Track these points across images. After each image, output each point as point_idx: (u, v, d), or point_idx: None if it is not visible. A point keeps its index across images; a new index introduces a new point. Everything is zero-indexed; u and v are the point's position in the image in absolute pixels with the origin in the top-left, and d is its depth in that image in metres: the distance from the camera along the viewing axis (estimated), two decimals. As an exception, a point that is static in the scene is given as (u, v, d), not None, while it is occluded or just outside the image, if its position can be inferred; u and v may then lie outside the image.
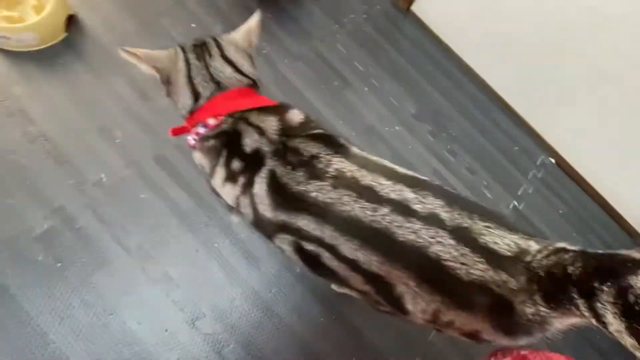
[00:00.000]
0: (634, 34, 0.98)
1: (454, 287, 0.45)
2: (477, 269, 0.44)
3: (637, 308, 0.33)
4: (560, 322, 0.44)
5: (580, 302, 0.38)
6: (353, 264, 0.49)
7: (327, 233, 0.49)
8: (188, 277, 0.87)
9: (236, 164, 0.56)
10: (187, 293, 0.85)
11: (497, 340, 0.47)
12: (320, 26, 1.29)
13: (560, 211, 1.29)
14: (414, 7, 1.44)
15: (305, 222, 0.50)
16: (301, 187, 0.51)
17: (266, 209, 0.53)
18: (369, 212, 0.47)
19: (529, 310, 0.43)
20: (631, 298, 0.34)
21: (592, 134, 1.25)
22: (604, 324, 0.36)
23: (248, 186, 0.55)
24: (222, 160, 0.57)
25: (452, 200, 0.49)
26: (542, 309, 0.42)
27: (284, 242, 0.55)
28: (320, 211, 0.49)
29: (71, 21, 1.01)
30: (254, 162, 0.54)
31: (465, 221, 0.47)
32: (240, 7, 1.22)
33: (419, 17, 1.45)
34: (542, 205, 1.28)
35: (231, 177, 0.56)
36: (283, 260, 0.94)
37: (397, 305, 0.50)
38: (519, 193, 1.27)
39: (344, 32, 1.32)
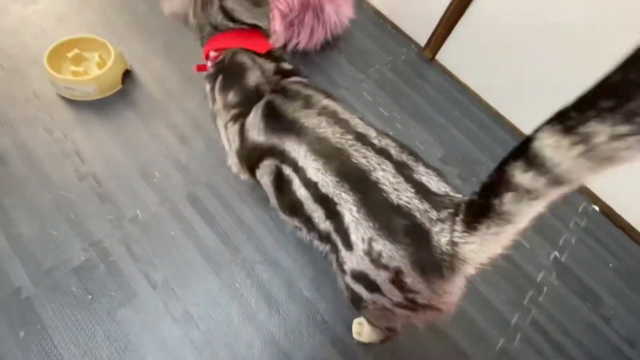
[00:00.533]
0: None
1: (384, 210, 0.51)
2: (405, 195, 0.51)
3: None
4: (473, 258, 0.46)
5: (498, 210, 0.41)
6: (314, 189, 0.57)
7: (301, 153, 0.58)
8: (208, 317, 0.86)
9: (233, 95, 0.67)
10: (205, 334, 0.84)
11: (415, 284, 0.50)
12: (347, 75, 1.37)
13: (610, 264, 1.17)
14: (438, 56, 1.50)
15: (290, 144, 0.59)
16: (295, 114, 0.61)
17: (259, 134, 0.63)
18: (337, 135, 0.58)
19: (444, 239, 0.47)
20: None
21: (637, 177, 1.17)
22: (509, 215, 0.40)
23: (242, 116, 0.66)
24: (218, 87, 0.69)
25: (405, 148, 0.58)
26: (457, 234, 0.46)
27: (266, 170, 0.65)
28: (303, 132, 0.59)
29: (126, 75, 1.15)
30: (253, 94, 0.65)
31: (409, 162, 0.55)
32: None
33: (444, 65, 1.50)
34: (588, 257, 1.17)
35: (228, 106, 0.68)
36: (304, 305, 0.92)
37: (345, 237, 0.55)
38: (560, 243, 1.18)
39: (369, 81, 1.38)
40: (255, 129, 0.64)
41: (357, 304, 0.65)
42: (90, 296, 0.84)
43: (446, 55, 1.47)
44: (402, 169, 0.53)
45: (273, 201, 0.69)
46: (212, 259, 0.93)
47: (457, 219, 0.47)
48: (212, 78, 0.71)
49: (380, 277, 0.53)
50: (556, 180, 0.35)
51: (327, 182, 0.55)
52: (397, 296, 0.54)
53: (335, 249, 0.59)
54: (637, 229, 1.23)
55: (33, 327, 0.79)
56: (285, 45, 1.31)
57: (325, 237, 0.61)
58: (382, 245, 0.51)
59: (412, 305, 0.55)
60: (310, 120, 0.60)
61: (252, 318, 0.88)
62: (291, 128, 0.60)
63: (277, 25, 1.23)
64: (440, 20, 1.39)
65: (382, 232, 0.51)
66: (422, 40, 1.51)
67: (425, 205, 0.50)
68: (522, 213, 0.40)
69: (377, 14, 1.59)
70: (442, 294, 0.52)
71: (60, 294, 0.83)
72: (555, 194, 0.37)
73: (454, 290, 0.52)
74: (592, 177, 0.33)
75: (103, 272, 0.87)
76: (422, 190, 0.51)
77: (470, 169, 1.26)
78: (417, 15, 1.48)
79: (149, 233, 0.93)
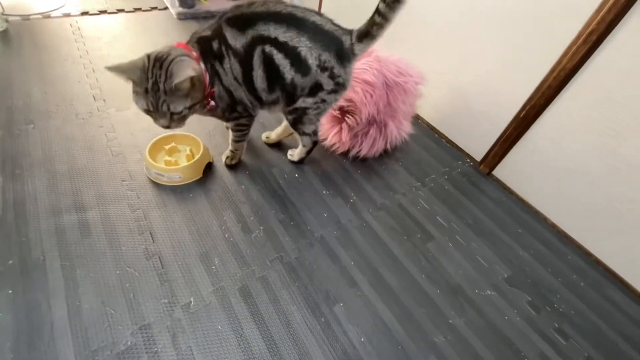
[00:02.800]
0: None
1: (322, 35, 0.97)
2: (328, 26, 0.98)
3: None
4: (359, 53, 1.00)
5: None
6: (284, 45, 0.95)
7: (271, 29, 0.94)
8: None
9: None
10: None
11: (339, 70, 1.00)
12: (403, 182, 1.42)
13: None
14: (496, 172, 1.52)
15: (260, 27, 0.94)
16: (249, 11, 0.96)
17: (235, 42, 0.97)
18: (281, 7, 0.95)
19: (348, 43, 0.99)
20: None
21: None
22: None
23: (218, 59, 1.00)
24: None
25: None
26: (353, 41, 0.99)
27: (257, 63, 0.98)
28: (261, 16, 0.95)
29: (208, 167, 1.30)
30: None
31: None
32: (335, 162, 1.43)
33: (502, 180, 1.50)
34: None
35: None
36: None
37: (304, 66, 0.97)
38: None
39: (425, 189, 1.41)
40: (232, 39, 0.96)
41: (299, 119, 1.14)
42: (125, 389, 0.79)
43: (505, 172, 1.49)
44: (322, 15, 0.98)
45: (263, 86, 1.02)
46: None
47: (353, 35, 0.97)
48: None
49: (323, 77, 0.99)
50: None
51: (291, 36, 0.93)
52: (330, 84, 1.02)
53: (293, 92, 1.03)
54: None
55: (62, 418, 0.74)
56: (348, 151, 1.43)
57: (290, 86, 1.01)
58: (325, 55, 0.96)
59: (336, 87, 1.03)
60: (260, 8, 0.94)
61: None
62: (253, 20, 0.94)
63: (344, 136, 1.36)
64: (498, 140, 1.45)
65: (324, 47, 0.95)
66: (478, 155, 1.57)
67: (339, 30, 0.98)
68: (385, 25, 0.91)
69: (431, 127, 1.72)
70: (349, 73, 1.03)
71: (98, 381, 0.79)
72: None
73: (352, 71, 1.04)
74: None
75: (144, 363, 0.83)
76: (335, 23, 0.98)
77: (543, 296, 1.13)
78: (471, 133, 1.57)
79: (196, 324, 0.91)
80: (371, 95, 1.27)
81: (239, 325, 0.92)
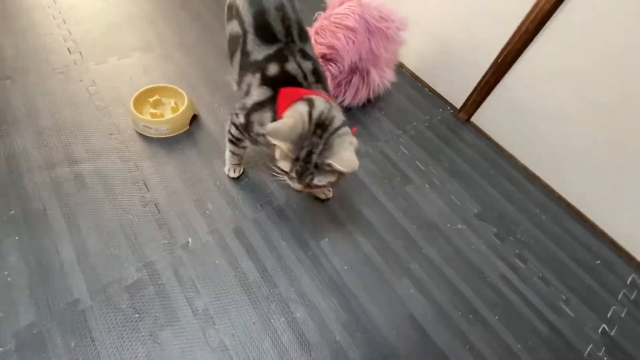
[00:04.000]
0: None
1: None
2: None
3: None
4: None
5: None
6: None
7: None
8: (242, 350, 0.88)
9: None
10: (238, 367, 0.85)
11: None
12: (386, 130, 1.48)
13: (669, 347, 1.07)
14: (474, 119, 1.59)
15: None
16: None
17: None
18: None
19: None
20: None
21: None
22: None
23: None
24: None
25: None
26: None
27: (233, 43, 0.95)
28: None
29: (194, 119, 1.32)
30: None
31: None
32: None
33: (479, 126, 1.57)
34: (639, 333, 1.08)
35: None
36: (335, 350, 0.91)
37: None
38: (609, 315, 1.11)
39: (406, 137, 1.48)
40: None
41: None
42: (137, 315, 0.90)
43: (482, 118, 1.56)
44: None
45: (236, 67, 0.95)
46: (250, 291, 0.97)
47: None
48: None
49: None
50: None
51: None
52: None
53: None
54: (697, 309, 1.14)
55: (84, 339, 0.84)
56: (331, 101, 1.46)
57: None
58: None
59: None
60: None
61: (283, 356, 0.88)
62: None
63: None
64: (476, 86, 1.50)
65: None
66: (457, 103, 1.62)
67: None
68: None
69: (415, 77, 1.74)
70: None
71: (112, 309, 0.89)
72: None
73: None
74: None
75: (151, 293, 0.93)
76: None
77: (507, 228, 1.26)
78: (452, 80, 1.61)
79: (196, 260, 1.00)
80: (353, 42, 1.27)
81: (235, 260, 1.02)
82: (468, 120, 1.60)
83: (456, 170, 1.40)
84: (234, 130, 0.99)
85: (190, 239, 1.04)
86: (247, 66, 0.88)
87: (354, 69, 1.36)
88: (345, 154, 0.73)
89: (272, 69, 0.83)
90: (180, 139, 1.27)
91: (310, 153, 0.74)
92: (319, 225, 1.13)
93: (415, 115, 1.58)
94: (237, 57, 0.91)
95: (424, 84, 1.72)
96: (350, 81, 1.38)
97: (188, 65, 1.53)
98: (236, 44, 0.91)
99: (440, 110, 1.63)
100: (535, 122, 1.37)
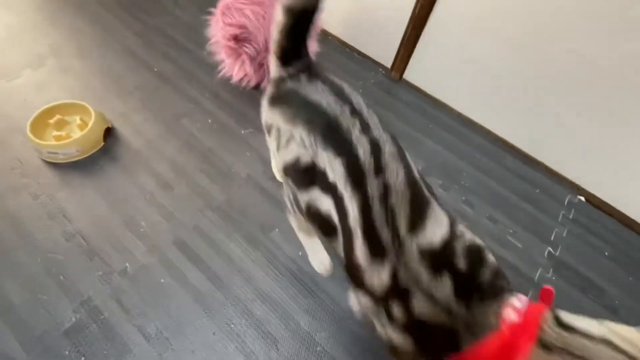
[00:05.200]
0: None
1: None
2: None
3: None
4: None
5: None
6: None
7: None
8: (205, 364, 0.84)
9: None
10: (204, 382, 0.82)
11: None
12: (321, 104, 1.43)
13: (606, 253, 1.17)
14: (406, 75, 1.57)
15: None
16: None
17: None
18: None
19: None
20: None
21: (614, 161, 1.20)
22: None
23: None
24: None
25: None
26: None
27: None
28: None
29: (108, 133, 1.19)
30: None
31: None
32: (246, 98, 1.39)
33: (412, 82, 1.57)
34: (582, 248, 1.17)
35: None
36: (302, 338, 0.90)
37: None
38: (552, 238, 1.18)
39: (343, 106, 1.44)
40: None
41: None
42: (83, 358, 0.82)
43: (413, 74, 1.55)
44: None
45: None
46: (204, 302, 0.92)
47: None
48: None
49: None
50: None
51: None
52: None
53: None
54: (624, 212, 1.25)
55: (25, 399, 0.77)
56: (258, 85, 1.38)
57: None
58: None
59: None
60: None
61: (250, 358, 0.86)
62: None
63: (247, 68, 1.29)
64: (401, 42, 1.47)
65: None
66: (388, 62, 1.59)
67: None
68: None
69: (342, 43, 1.69)
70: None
71: (53, 359, 0.81)
72: None
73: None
74: None
75: (95, 331, 0.86)
76: None
77: (451, 177, 1.29)
78: (379, 40, 1.57)
79: (138, 284, 0.93)
80: (263, 17, 1.19)
81: (182, 274, 0.96)
82: (401, 78, 1.58)
83: (397, 131, 1.39)
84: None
85: (127, 264, 0.96)
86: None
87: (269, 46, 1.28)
88: None
89: None
90: (96, 158, 1.15)
91: None
92: (266, 218, 1.09)
93: (348, 83, 1.52)
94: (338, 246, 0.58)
95: (352, 49, 1.67)
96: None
97: (91, 74, 1.37)
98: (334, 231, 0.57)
99: (373, 73, 1.60)
100: (461, 68, 1.38)
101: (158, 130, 1.24)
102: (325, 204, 0.55)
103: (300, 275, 1.00)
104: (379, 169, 0.53)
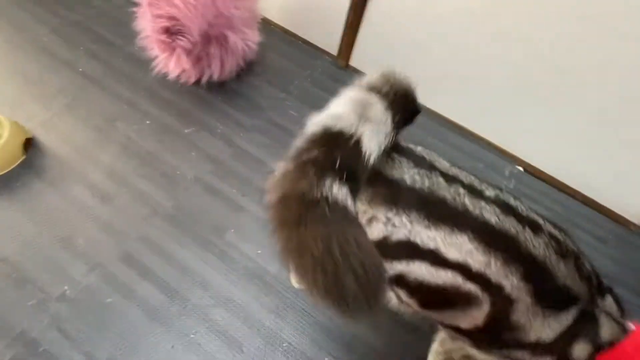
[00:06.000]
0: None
1: None
2: None
3: None
4: None
5: None
6: None
7: None
8: (166, 381, 0.80)
9: None
10: (166, 400, 0.77)
11: None
12: (269, 96, 1.38)
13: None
14: (352, 62, 1.57)
15: None
16: None
17: None
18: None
19: None
20: None
21: (548, 132, 1.30)
22: None
23: None
24: None
25: None
26: None
27: None
28: None
29: (29, 144, 1.06)
30: None
31: None
32: (187, 95, 1.31)
33: (359, 69, 1.57)
34: (523, 215, 1.26)
35: None
36: (267, 336, 0.88)
37: None
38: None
39: (292, 98, 1.40)
40: None
41: None
42: (22, 398, 0.74)
43: (359, 60, 1.55)
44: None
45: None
46: (159, 317, 0.87)
47: None
48: None
49: None
50: None
51: None
52: None
53: None
54: (560, 180, 1.36)
55: None
56: (200, 79, 1.30)
57: None
58: None
59: None
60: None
61: (214, 367, 0.83)
62: None
63: (184, 63, 1.21)
64: (344, 28, 1.46)
65: None
66: (333, 49, 1.58)
67: None
68: None
69: (287, 32, 1.64)
70: None
71: (-16, 406, 0.72)
72: None
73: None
74: None
75: (34, 366, 0.77)
76: None
77: (403, 159, 1.32)
78: (322, 27, 1.55)
79: (81, 308, 0.85)
80: (194, 6, 1.11)
81: (130, 290, 0.89)
82: (347, 65, 1.58)
83: (347, 118, 1.40)
84: None
85: (66, 287, 0.87)
86: (510, 341, 0.50)
87: (208, 38, 1.20)
88: None
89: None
90: (17, 174, 1.02)
91: None
92: (219, 220, 1.04)
93: (296, 73, 1.50)
94: (463, 317, 0.51)
95: (297, 37, 1.63)
96: (209, 53, 1.23)
97: (1, 80, 1.20)
98: (461, 301, 0.50)
99: (319, 61, 1.57)
100: (405, 52, 1.40)
101: (89, 136, 1.12)
102: (442, 276, 0.48)
103: (260, 273, 0.97)
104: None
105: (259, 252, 1.01)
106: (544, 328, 0.45)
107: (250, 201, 1.09)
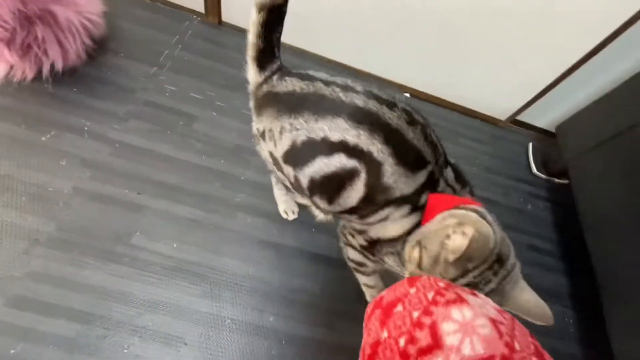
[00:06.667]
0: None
1: None
2: None
3: None
4: None
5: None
6: None
7: None
8: (110, 402, 0.77)
9: None
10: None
11: None
12: (137, 75, 1.21)
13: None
14: (225, 17, 1.44)
15: None
16: None
17: None
18: None
19: None
20: None
21: (420, 56, 1.40)
22: None
23: None
24: None
25: None
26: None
27: None
28: None
29: None
30: None
31: None
32: (32, 94, 1.08)
33: (233, 24, 1.45)
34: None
35: None
36: (208, 322, 0.89)
37: None
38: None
39: (165, 71, 1.25)
40: None
41: None
42: None
43: (231, 14, 1.42)
44: None
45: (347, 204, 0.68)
46: (80, 346, 0.80)
47: None
48: None
49: None
50: None
51: None
52: None
53: None
54: (442, 97, 1.51)
55: None
56: (40, 74, 1.06)
57: None
58: None
59: None
60: None
61: (159, 369, 0.82)
62: None
63: (8, 57, 0.97)
64: (203, -21, 1.30)
65: None
66: (200, 7, 1.41)
67: None
68: None
69: (139, -6, 1.40)
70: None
71: None
72: None
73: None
74: None
75: None
76: None
77: (300, 112, 1.31)
78: (178, -18, 1.35)
79: (-23, 373, 0.74)
80: (-11, -18, 0.86)
81: (34, 333, 0.79)
82: (220, 22, 1.44)
83: (234, 81, 1.31)
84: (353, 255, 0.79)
85: (-54, 359, 0.74)
86: (382, 202, 0.62)
87: (28, 20, 0.97)
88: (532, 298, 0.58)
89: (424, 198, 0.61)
90: None
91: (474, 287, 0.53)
92: (119, 226, 0.95)
93: (162, 42, 1.32)
94: (352, 193, 0.62)
95: (155, 0, 1.41)
96: (36, 38, 0.99)
97: None
98: (348, 179, 0.61)
99: (187, 22, 1.40)
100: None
101: None
102: (333, 162, 0.59)
103: (184, 267, 0.94)
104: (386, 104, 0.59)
105: (175, 246, 0.96)
106: (406, 186, 0.59)
107: (148, 197, 1.01)
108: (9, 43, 0.96)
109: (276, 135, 0.65)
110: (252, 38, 0.66)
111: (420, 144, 0.58)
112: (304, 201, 0.82)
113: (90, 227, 0.93)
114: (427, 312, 0.38)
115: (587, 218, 1.19)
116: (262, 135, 0.70)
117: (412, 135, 0.58)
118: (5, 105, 1.04)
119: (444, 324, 0.35)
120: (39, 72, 1.07)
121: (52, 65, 1.07)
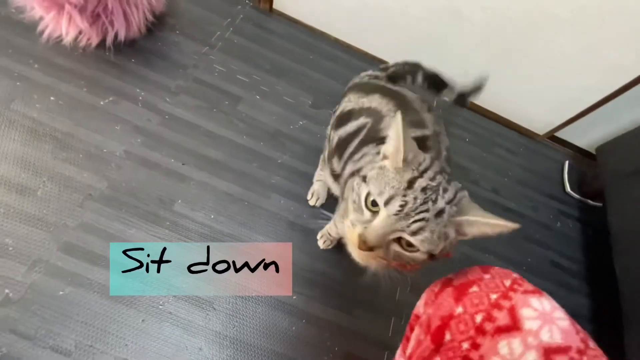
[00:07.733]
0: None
1: None
2: None
3: None
4: None
5: None
6: None
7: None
8: (144, 351, 0.83)
9: None
10: (148, 367, 0.82)
11: None
12: (189, 53, 1.27)
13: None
14: (276, 5, 1.47)
15: None
16: None
17: None
18: None
19: None
20: None
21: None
22: None
23: None
24: None
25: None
26: None
27: None
28: None
29: None
30: None
31: None
32: (95, 60, 1.15)
33: (284, 12, 1.48)
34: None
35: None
36: (235, 289, 0.94)
37: None
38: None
39: (216, 51, 1.31)
40: None
41: None
42: (-8, 403, 0.73)
43: (282, 1, 1.45)
44: None
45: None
46: (120, 298, 0.87)
47: None
48: None
49: None
50: None
51: None
52: None
53: None
54: (482, 106, 1.50)
55: None
56: (103, 42, 1.13)
57: None
58: None
59: None
60: None
61: (189, 328, 0.87)
62: None
63: (79, 22, 1.04)
64: (260, -33, 1.34)
65: None
66: (253, -8, 1.45)
67: None
68: None
69: (196, -26, 1.45)
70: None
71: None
72: None
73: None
74: None
75: (-5, 372, 0.75)
76: None
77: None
78: (236, -33, 1.40)
79: (32, 306, 0.81)
80: (74, -49, 0.92)
81: (81, 278, 0.86)
82: (271, 9, 1.48)
83: (279, 68, 1.35)
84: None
85: (7, 291, 0.82)
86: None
87: (100, -10, 1.03)
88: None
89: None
90: None
91: (427, 191, 0.45)
92: (163, 192, 1.01)
93: (215, 23, 1.37)
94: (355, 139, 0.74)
95: (209, -20, 1.46)
96: (106, 6, 1.06)
97: None
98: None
99: (240, 7, 1.45)
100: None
101: (-18, 125, 0.97)
102: (356, 123, 0.74)
103: (217, 237, 0.99)
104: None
105: (212, 217, 1.01)
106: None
107: (192, 169, 1.06)
108: (82, 10, 1.03)
109: (338, 109, 0.84)
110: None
111: (423, 116, 0.72)
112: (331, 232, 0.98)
113: (137, 189, 0.99)
114: (505, 296, 0.38)
115: (620, 244, 1.17)
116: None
117: (420, 110, 0.73)
118: (70, 68, 1.12)
119: (524, 309, 0.36)
120: (103, 40, 1.14)
121: (116, 35, 1.13)
